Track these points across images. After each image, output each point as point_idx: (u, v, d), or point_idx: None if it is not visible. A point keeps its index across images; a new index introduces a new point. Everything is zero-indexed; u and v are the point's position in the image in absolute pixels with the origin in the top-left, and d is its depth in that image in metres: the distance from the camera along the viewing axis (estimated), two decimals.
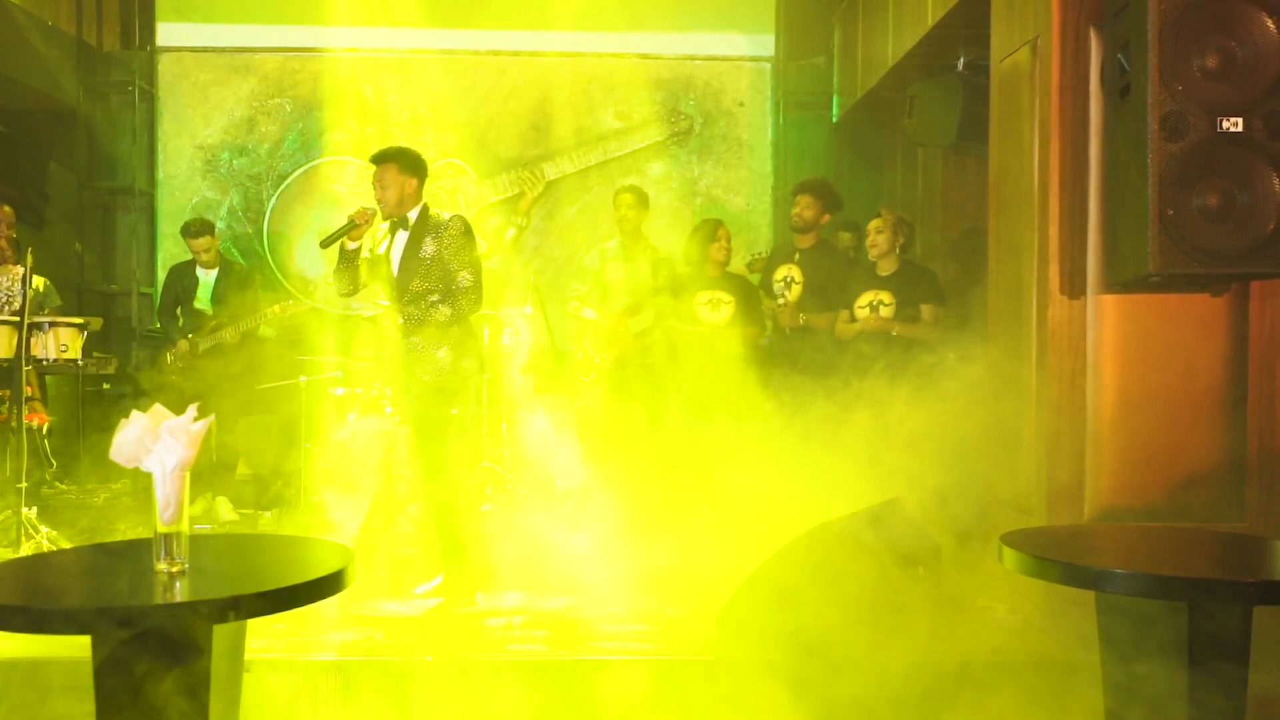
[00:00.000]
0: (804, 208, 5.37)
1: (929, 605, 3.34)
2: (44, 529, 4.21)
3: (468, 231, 4.07)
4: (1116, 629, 2.16)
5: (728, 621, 3.41)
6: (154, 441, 1.86)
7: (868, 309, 5.01)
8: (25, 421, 4.21)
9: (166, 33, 7.03)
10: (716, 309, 5.40)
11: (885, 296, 4.98)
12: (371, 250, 4.13)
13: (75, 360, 4.42)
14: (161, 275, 6.98)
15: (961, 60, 5.31)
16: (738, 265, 6.09)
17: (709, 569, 3.87)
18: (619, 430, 5.43)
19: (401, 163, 4.01)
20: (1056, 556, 2.10)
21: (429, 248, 4.00)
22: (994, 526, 3.62)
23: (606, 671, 3.21)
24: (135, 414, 1.88)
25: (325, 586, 1.81)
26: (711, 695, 3.14)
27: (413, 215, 4.04)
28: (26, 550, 4.01)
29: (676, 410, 5.30)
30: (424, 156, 4.18)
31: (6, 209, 4.82)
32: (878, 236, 5.01)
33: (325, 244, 4.04)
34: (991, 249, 4.16)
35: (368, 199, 4.14)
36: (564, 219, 7.12)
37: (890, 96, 6.07)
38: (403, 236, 4.03)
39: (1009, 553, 2.19)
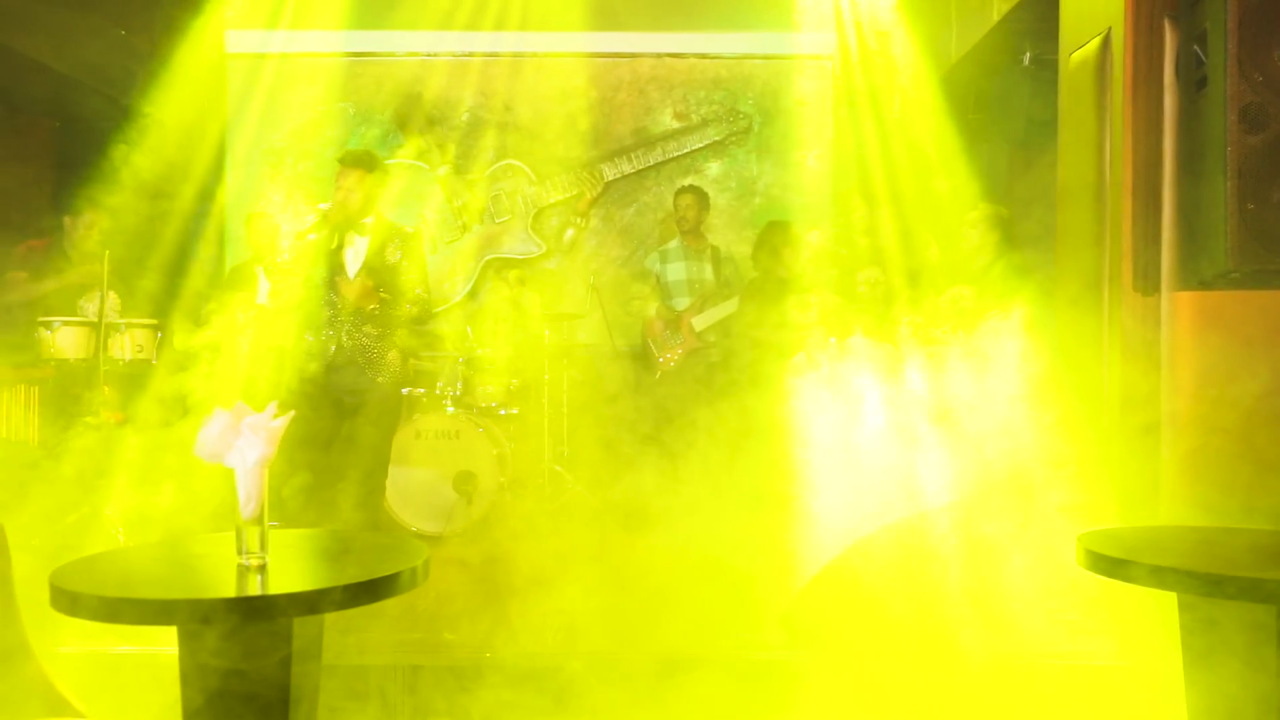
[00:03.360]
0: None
1: (1002, 604, 3.29)
2: (121, 528, 4.32)
3: (422, 247, 4.34)
4: (1200, 632, 2.11)
5: (794, 619, 3.39)
6: (235, 438, 1.89)
7: (948, 303, 4.94)
8: (105, 419, 4.33)
9: (234, 39, 7.18)
10: (807, 312, 5.37)
11: (966, 290, 4.91)
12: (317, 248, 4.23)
13: (149, 360, 4.54)
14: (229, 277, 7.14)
15: (1028, 55, 5.23)
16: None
17: (773, 566, 3.86)
18: (683, 429, 5.43)
19: (371, 167, 4.13)
20: (1137, 557, 2.05)
21: (393, 255, 4.13)
22: (1064, 526, 3.55)
23: (673, 670, 3.21)
24: (218, 411, 1.92)
25: (403, 581, 1.84)
26: (778, 694, 3.12)
27: (368, 221, 4.15)
28: (108, 545, 4.13)
29: (744, 411, 5.27)
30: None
31: (92, 214, 4.92)
32: (972, 231, 4.94)
33: (299, 236, 4.16)
34: (1059, 245, 4.09)
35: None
36: (622, 219, 7.13)
37: (954, 92, 6.00)
38: (360, 241, 4.13)
39: (1086, 553, 2.15)
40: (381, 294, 4.16)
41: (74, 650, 3.06)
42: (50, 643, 2.51)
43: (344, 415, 4.23)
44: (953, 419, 4.01)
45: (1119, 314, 3.59)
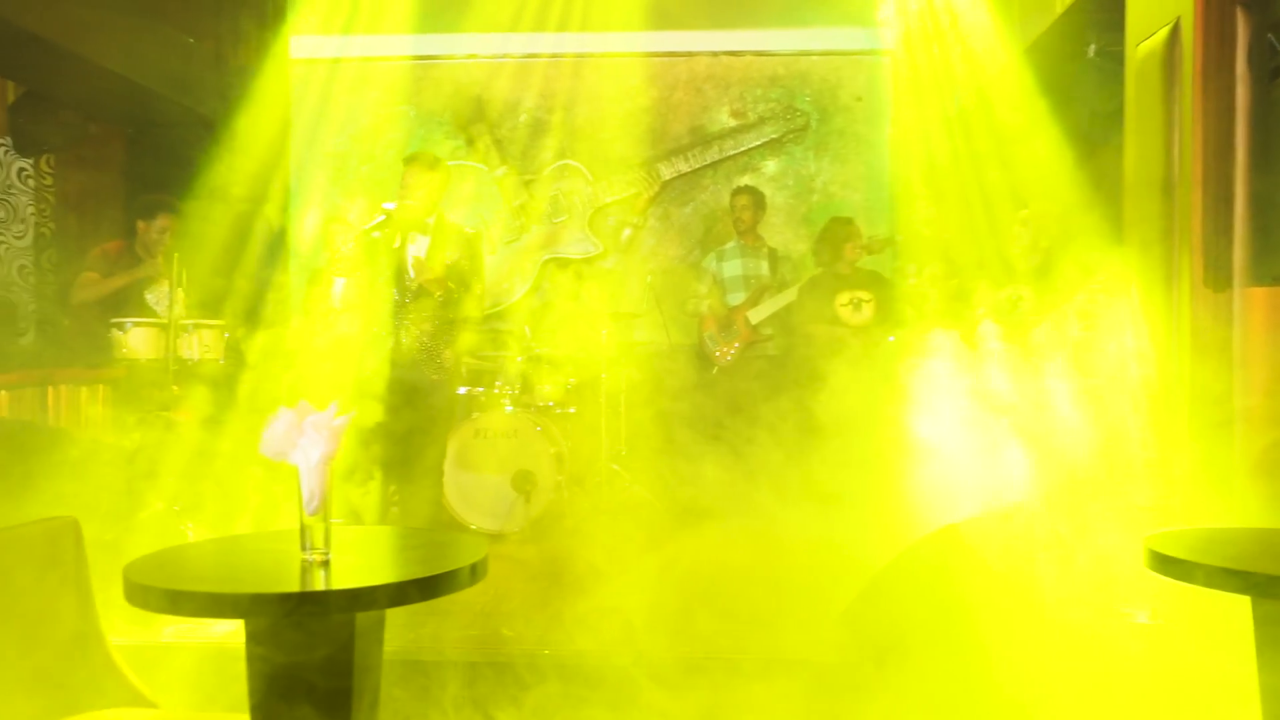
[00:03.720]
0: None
1: (1062, 608, 3.23)
2: (190, 523, 4.43)
3: (481, 248, 4.51)
4: (1274, 636, 2.04)
5: (855, 619, 3.36)
6: (299, 436, 1.93)
7: (1006, 302, 4.88)
8: (175, 417, 4.44)
9: (298, 45, 7.31)
10: (859, 309, 5.33)
11: (1025, 289, 4.85)
12: (387, 246, 4.29)
13: (217, 359, 4.64)
14: (293, 279, 7.28)
15: (1093, 46, 5.12)
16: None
17: (835, 564, 3.83)
18: (741, 425, 5.41)
19: (435, 168, 4.20)
20: (1207, 560, 2.00)
21: (452, 254, 4.22)
22: (1131, 526, 3.47)
23: (731, 670, 3.20)
24: (282, 409, 1.96)
25: (462, 577, 1.86)
26: (836, 696, 3.10)
27: (430, 221, 4.21)
28: (178, 540, 4.24)
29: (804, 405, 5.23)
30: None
31: (165, 218, 5.03)
32: (1023, 229, 4.87)
33: (362, 235, 4.24)
34: (1127, 240, 4.01)
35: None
36: (679, 218, 7.13)
37: (1017, 86, 5.89)
38: (423, 240, 4.20)
39: (1153, 554, 2.10)
40: (449, 284, 4.25)
41: (144, 641, 3.14)
42: (120, 633, 2.58)
43: (403, 410, 4.31)
44: (1022, 416, 3.95)
45: (1190, 310, 3.51)
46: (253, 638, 1.83)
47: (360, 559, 2.06)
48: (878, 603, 3.28)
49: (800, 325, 5.57)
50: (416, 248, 4.29)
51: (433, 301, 4.25)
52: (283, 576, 1.91)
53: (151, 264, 4.89)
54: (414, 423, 4.33)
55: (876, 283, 5.44)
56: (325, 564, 1.92)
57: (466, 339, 4.50)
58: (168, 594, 1.75)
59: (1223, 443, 3.40)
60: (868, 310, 5.32)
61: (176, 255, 4.49)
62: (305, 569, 1.89)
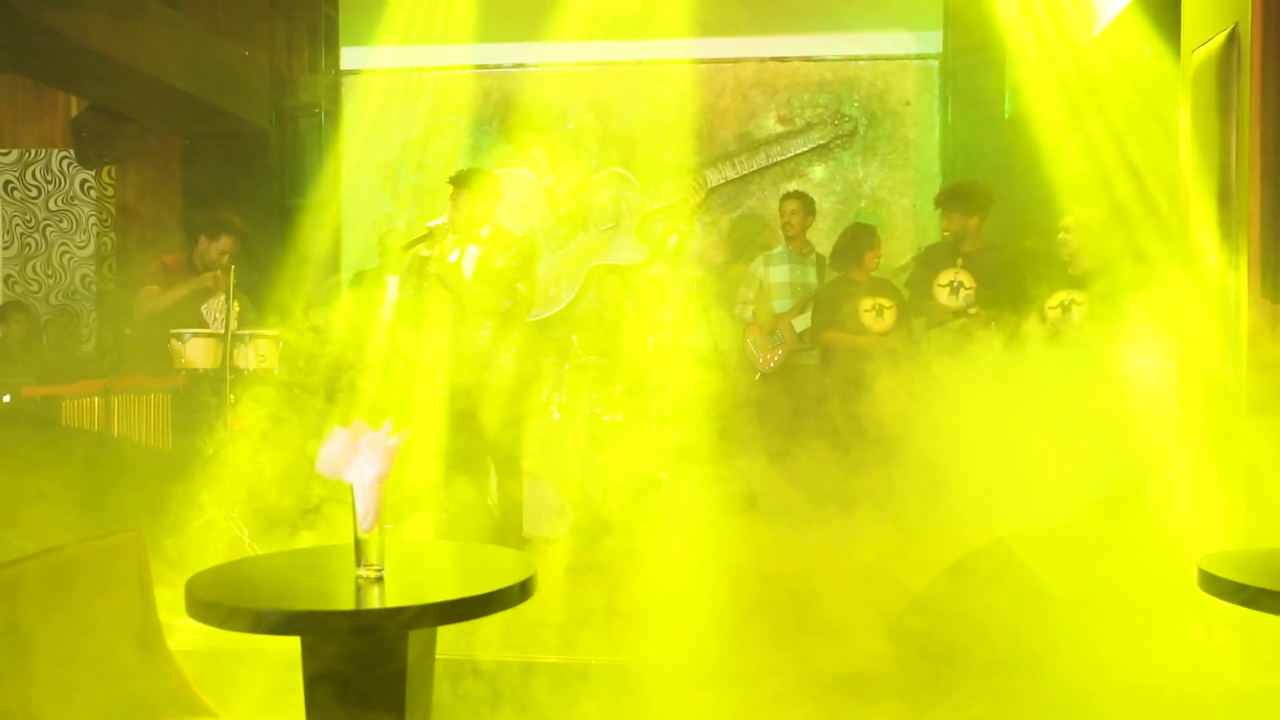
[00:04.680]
0: (951, 222, 5.27)
1: (1113, 625, 3.19)
2: (246, 530, 4.53)
3: (534, 250, 4.53)
4: None
5: (902, 634, 3.35)
6: (354, 455, 1.97)
7: (1058, 309, 4.82)
8: (231, 426, 4.55)
9: (349, 57, 7.43)
10: (881, 315, 5.30)
11: (1079, 296, 4.79)
12: (439, 261, 4.33)
13: (272, 369, 4.74)
14: (345, 287, 7.39)
15: (1148, 49, 5.04)
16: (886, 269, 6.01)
17: (881, 576, 3.82)
18: (788, 432, 5.41)
19: (476, 186, 4.25)
20: (1260, 582, 1.97)
21: (500, 260, 4.29)
22: (1184, 540, 3.42)
23: (780, 679, 3.20)
24: (337, 428, 2.00)
25: (513, 595, 1.89)
26: (885, 710, 3.09)
27: (484, 232, 4.26)
28: (235, 553, 4.34)
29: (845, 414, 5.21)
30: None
31: (228, 239, 5.12)
32: (1068, 236, 4.82)
33: (407, 248, 4.30)
34: (1184, 248, 3.94)
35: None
36: (726, 224, 7.13)
37: (1067, 90, 5.81)
38: (473, 251, 4.26)
39: (1209, 578, 2.07)
40: (505, 304, 4.32)
41: (205, 648, 3.22)
42: (181, 641, 2.65)
43: (464, 416, 4.37)
44: (1073, 428, 3.91)
45: (1246, 320, 3.45)
46: (308, 651, 1.88)
47: (413, 575, 2.10)
48: (927, 615, 3.26)
49: (815, 332, 5.55)
50: (469, 258, 4.37)
51: (490, 309, 4.32)
52: (338, 594, 1.96)
53: (210, 276, 4.99)
54: (474, 426, 4.39)
55: (893, 289, 5.43)
56: (379, 580, 1.97)
57: (530, 345, 4.57)
58: (227, 610, 1.81)
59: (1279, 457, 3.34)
60: (889, 316, 5.29)
61: (234, 267, 4.59)
62: (360, 586, 1.94)
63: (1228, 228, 3.53)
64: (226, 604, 1.81)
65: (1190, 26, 3.90)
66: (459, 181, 4.40)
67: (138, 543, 2.25)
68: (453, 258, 4.41)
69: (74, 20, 5.19)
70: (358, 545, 1.99)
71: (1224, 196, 3.58)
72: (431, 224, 4.33)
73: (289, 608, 1.83)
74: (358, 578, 1.97)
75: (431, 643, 2.07)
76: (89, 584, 2.12)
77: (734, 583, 4.27)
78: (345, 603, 1.87)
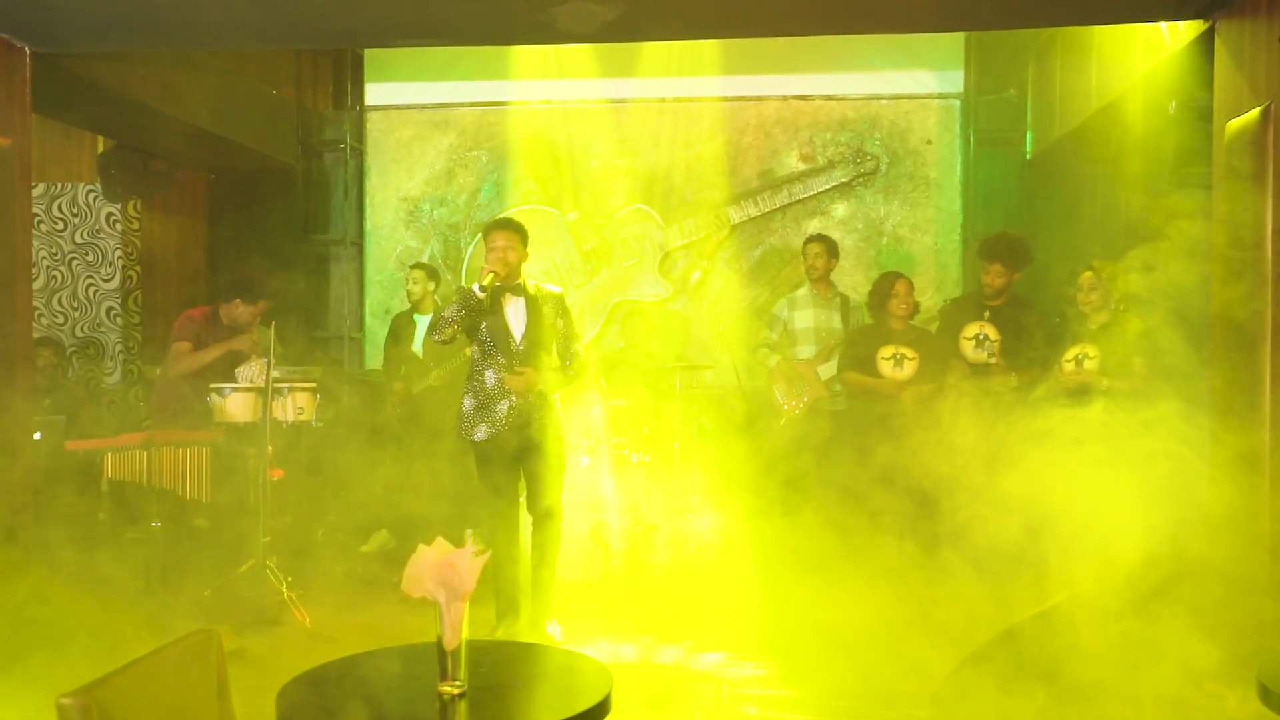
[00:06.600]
0: (994, 276, 5.26)
1: (1156, 699, 3.23)
2: (286, 578, 4.58)
3: (569, 304, 4.58)
4: None
5: (946, 701, 3.38)
6: (438, 574, 2.03)
7: (1073, 363, 4.86)
8: (270, 477, 4.60)
9: (374, 93, 7.50)
10: (899, 365, 5.31)
11: (1090, 350, 4.82)
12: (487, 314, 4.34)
13: (309, 421, 4.79)
14: (370, 321, 7.46)
15: (1174, 103, 5.09)
16: (927, 313, 6.04)
17: (915, 639, 3.85)
18: (813, 479, 5.44)
19: (522, 233, 4.29)
20: None
21: (549, 314, 4.37)
22: (1225, 607, 3.46)
23: None
24: (421, 548, 2.07)
25: (593, 716, 1.95)
26: None
27: (518, 283, 4.35)
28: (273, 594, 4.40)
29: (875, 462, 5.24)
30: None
31: (261, 305, 5.15)
32: (1091, 294, 4.84)
33: (484, 289, 4.18)
34: (1215, 314, 3.99)
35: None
36: (748, 262, 7.19)
37: (1093, 135, 5.87)
38: (517, 301, 4.26)
39: (1265, 690, 2.11)
40: (556, 369, 4.38)
41: None
42: None
43: (516, 471, 4.39)
44: (1095, 490, 3.94)
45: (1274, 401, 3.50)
46: None
47: (494, 688, 2.15)
48: (976, 683, 3.29)
49: (839, 370, 5.57)
50: (514, 308, 4.32)
51: (543, 361, 4.33)
52: (424, 712, 2.02)
53: (243, 340, 5.02)
54: (528, 478, 4.42)
55: (924, 341, 5.41)
56: (462, 697, 2.03)
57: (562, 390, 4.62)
58: None
59: None
60: (909, 368, 5.28)
61: (273, 325, 4.64)
62: (445, 705, 2.00)
63: (1264, 299, 3.57)
64: None
65: (1223, 96, 3.94)
66: (509, 227, 4.35)
67: (215, 641, 2.30)
68: (497, 310, 4.33)
69: (112, 71, 5.24)
70: (441, 659, 2.05)
71: (1257, 264, 3.63)
72: (480, 283, 4.18)
73: None
74: (442, 695, 2.03)
75: None
76: (171, 684, 2.16)
77: (760, 632, 4.31)
78: None
